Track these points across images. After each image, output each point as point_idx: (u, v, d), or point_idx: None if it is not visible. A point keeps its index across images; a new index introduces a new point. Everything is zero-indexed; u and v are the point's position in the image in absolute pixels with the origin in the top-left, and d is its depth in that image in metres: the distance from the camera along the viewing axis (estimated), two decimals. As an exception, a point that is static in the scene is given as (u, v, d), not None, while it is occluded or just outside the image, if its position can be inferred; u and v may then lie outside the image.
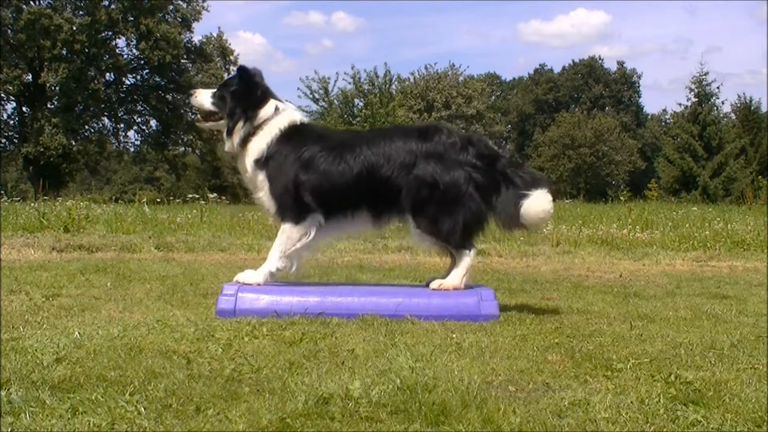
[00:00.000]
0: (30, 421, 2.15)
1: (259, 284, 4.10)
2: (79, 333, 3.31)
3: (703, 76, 35.17)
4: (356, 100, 36.85)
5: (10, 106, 38.10)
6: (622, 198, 17.08)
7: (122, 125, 40.74)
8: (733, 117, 40.54)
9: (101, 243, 8.08)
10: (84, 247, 7.79)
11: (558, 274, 6.58)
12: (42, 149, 34.44)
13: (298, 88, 37.20)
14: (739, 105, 40.47)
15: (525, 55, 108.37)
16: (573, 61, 64.34)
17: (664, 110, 62.10)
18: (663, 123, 61.17)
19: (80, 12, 36.41)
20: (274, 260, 4.14)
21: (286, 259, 4.13)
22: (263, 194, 4.17)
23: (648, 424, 2.24)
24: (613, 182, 50.98)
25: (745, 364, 2.98)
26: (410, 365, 2.82)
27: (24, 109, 37.46)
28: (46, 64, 34.94)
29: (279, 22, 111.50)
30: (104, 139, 39.74)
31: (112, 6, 36.42)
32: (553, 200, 4.18)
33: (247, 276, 4.14)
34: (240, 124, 4.18)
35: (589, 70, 62.23)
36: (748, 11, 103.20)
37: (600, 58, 63.92)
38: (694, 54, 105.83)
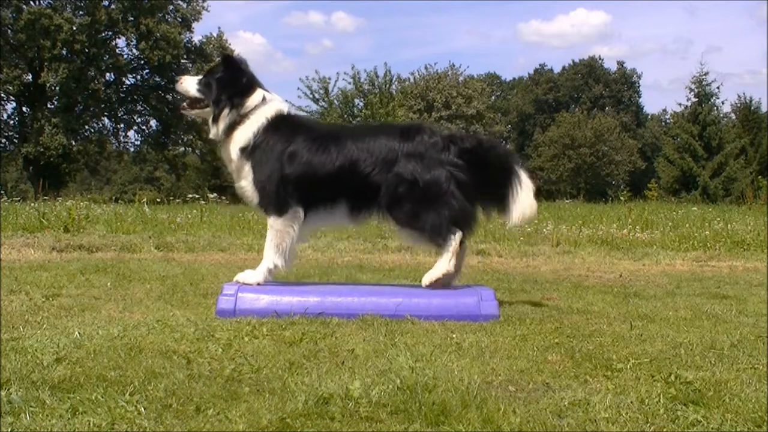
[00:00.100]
0: (30, 421, 2.15)
1: (259, 283, 4.10)
2: (79, 333, 3.31)
3: (703, 76, 35.24)
4: (356, 100, 36.90)
5: (10, 106, 38.14)
6: (622, 198, 17.09)
7: (122, 125, 40.72)
8: (733, 117, 40.56)
9: (101, 243, 8.08)
10: (84, 247, 7.79)
11: (558, 274, 6.57)
12: (42, 149, 34.42)
13: (298, 88, 37.32)
14: (739, 105, 40.51)
15: (525, 55, 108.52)
16: (573, 61, 64.50)
17: (664, 110, 62.26)
18: (663, 123, 61.20)
19: (80, 12, 36.38)
20: (270, 256, 4.15)
21: (281, 253, 4.14)
22: (246, 183, 4.18)
23: (648, 424, 2.24)
24: (613, 182, 50.98)
25: (745, 364, 2.98)
26: (410, 365, 2.82)
27: (24, 109, 37.44)
28: (46, 64, 34.92)
29: (279, 22, 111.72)
30: (104, 139, 39.71)
31: (112, 6, 36.40)
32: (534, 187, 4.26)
33: (246, 276, 4.14)
34: (225, 111, 4.17)
35: (589, 70, 62.26)
36: (748, 11, 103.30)
37: (600, 58, 64.08)
38: (694, 54, 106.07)
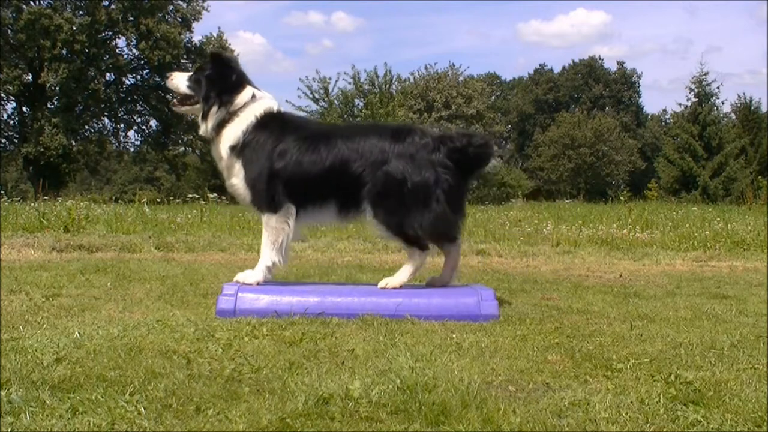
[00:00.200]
0: (30, 421, 2.15)
1: (258, 282, 4.10)
2: (79, 333, 3.31)
3: (703, 76, 35.19)
4: (356, 100, 36.89)
5: (10, 106, 38.11)
6: (622, 198, 17.09)
7: (122, 125, 40.69)
8: (733, 117, 40.53)
9: (101, 243, 8.08)
10: (84, 247, 7.79)
11: (558, 274, 6.57)
12: (42, 149, 34.41)
13: (298, 88, 37.28)
14: (739, 105, 40.48)
15: (525, 55, 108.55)
16: (573, 61, 64.52)
17: (664, 110, 62.22)
18: (663, 123, 61.18)
19: (80, 12, 36.36)
20: (267, 254, 4.15)
21: (278, 250, 4.14)
22: (237, 181, 4.18)
23: (648, 424, 2.24)
24: (613, 182, 50.97)
25: (745, 364, 2.98)
26: (410, 365, 2.82)
27: (24, 109, 37.42)
28: (46, 64, 34.90)
29: (279, 22, 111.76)
30: (104, 139, 39.68)
31: (112, 6, 36.38)
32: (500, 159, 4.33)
33: (246, 275, 4.14)
34: (215, 108, 4.17)
35: (589, 70, 62.26)
36: (748, 11, 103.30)
37: (600, 58, 64.09)
38: (694, 54, 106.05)
